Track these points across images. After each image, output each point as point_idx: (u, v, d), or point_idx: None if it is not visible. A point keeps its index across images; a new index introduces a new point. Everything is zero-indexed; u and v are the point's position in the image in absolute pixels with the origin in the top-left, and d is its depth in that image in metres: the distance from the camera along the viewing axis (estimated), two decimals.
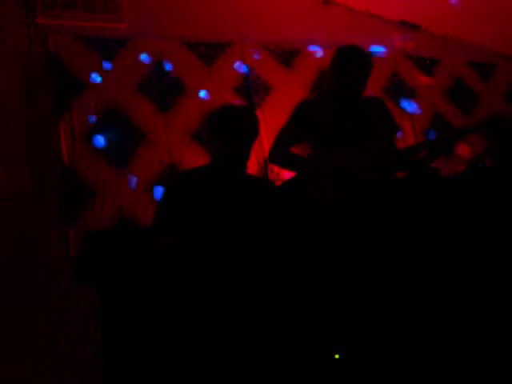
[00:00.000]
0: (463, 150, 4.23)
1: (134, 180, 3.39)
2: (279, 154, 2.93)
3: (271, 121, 3.82)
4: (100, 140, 3.37)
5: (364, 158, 2.72)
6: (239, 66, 3.88)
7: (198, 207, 2.39)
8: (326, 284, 2.41)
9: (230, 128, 2.45)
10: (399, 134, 3.03)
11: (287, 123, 2.99)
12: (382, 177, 2.71)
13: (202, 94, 3.72)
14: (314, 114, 2.89)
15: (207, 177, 2.48)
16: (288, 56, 4.05)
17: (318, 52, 4.13)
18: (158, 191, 3.39)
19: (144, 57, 3.63)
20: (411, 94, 4.38)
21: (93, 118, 3.38)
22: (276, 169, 3.71)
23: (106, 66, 3.51)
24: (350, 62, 2.82)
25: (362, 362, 2.33)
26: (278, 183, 3.40)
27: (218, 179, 2.47)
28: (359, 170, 2.67)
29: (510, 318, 2.37)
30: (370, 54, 2.91)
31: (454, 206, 2.59)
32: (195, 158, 3.53)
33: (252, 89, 3.87)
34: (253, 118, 2.55)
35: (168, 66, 3.68)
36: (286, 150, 2.91)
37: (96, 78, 3.46)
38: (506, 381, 2.28)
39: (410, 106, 4.32)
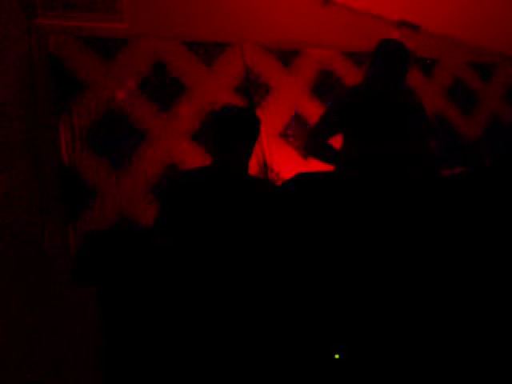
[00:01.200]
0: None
1: (134, 180, 3.39)
2: (316, 146, 2.93)
3: (271, 121, 3.83)
4: (100, 140, 3.37)
5: (403, 150, 2.73)
6: (239, 66, 3.89)
7: (200, 208, 2.39)
8: (326, 284, 2.41)
9: (231, 129, 2.45)
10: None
11: (325, 114, 2.99)
12: (418, 170, 2.73)
13: (202, 94, 3.72)
14: (354, 105, 2.89)
15: (209, 177, 2.48)
16: (288, 56, 4.06)
17: (318, 52, 4.13)
18: (159, 191, 3.39)
19: (144, 57, 3.63)
20: None
21: (93, 118, 3.38)
22: (276, 169, 3.72)
23: (106, 66, 3.51)
24: (395, 55, 2.84)
25: (362, 362, 2.33)
26: (278, 183, 3.40)
27: (220, 180, 2.47)
28: (398, 162, 2.69)
29: (511, 318, 2.37)
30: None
31: (454, 206, 2.59)
32: (195, 158, 3.53)
33: (252, 89, 3.87)
34: (254, 119, 2.56)
35: (168, 66, 3.68)
36: (323, 141, 2.92)
37: (96, 77, 3.46)
38: (506, 381, 2.28)
39: None
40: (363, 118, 2.84)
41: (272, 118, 3.83)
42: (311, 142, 2.99)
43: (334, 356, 2.32)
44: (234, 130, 2.45)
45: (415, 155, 2.78)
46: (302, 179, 2.78)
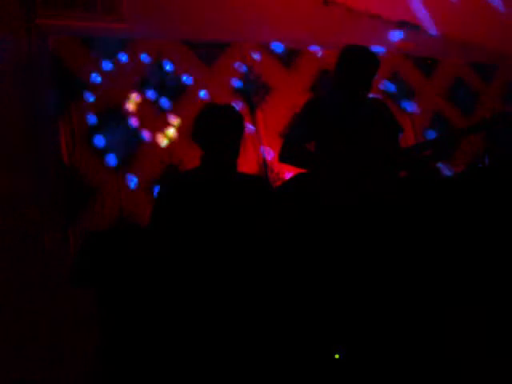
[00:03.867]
0: (463, 149, 4.23)
1: (134, 180, 3.40)
2: (290, 153, 2.89)
3: (271, 121, 3.83)
4: (100, 140, 3.37)
5: (369, 157, 2.71)
6: (239, 66, 3.89)
7: (193, 208, 2.38)
8: (325, 284, 2.41)
9: (214, 127, 2.45)
10: (401, 135, 3.03)
11: (296, 122, 2.97)
12: (386, 176, 2.71)
13: (202, 93, 3.72)
14: (321, 113, 2.87)
15: (199, 178, 2.48)
16: (288, 56, 4.06)
17: (318, 52, 4.14)
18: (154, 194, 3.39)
19: (144, 57, 3.63)
20: (411, 94, 4.38)
21: (93, 118, 3.38)
22: (276, 169, 3.72)
23: (106, 66, 3.51)
24: (360, 62, 2.80)
25: (361, 361, 2.33)
26: (278, 183, 3.40)
27: (210, 180, 2.47)
28: (365, 170, 2.67)
29: (509, 318, 2.37)
30: (377, 55, 2.90)
31: (453, 206, 2.59)
32: (195, 158, 3.52)
33: (252, 89, 3.87)
34: (236, 115, 2.53)
35: (168, 66, 3.68)
36: (297, 148, 2.88)
37: (96, 78, 3.46)
38: (506, 380, 2.28)
39: (409, 106, 4.32)
40: (331, 126, 2.81)
41: (272, 118, 3.83)
42: (285, 150, 2.92)
43: (334, 356, 2.32)
44: (218, 129, 2.44)
45: (383, 159, 2.76)
46: (301, 179, 2.79)
